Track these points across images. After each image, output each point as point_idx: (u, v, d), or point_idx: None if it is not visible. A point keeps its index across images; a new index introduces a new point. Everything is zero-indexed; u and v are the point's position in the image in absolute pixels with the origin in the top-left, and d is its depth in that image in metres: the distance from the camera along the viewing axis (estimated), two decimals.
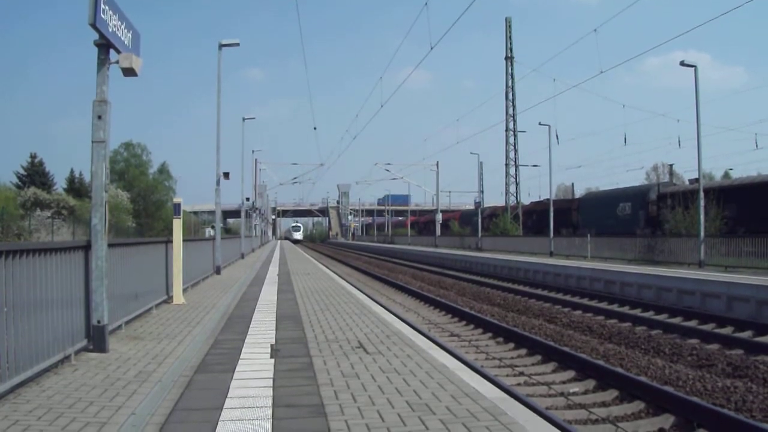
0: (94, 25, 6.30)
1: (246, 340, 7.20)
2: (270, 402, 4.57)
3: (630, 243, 24.80)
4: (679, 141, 59.81)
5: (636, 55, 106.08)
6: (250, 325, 8.39)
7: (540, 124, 31.78)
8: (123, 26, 6.96)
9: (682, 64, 21.26)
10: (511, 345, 9.96)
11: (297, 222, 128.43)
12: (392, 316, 9.73)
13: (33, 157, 53.00)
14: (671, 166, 54.56)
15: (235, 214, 69.28)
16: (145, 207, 55.80)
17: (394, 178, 67.13)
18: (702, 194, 21.08)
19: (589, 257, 26.13)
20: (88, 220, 8.83)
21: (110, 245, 7.03)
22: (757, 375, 7.60)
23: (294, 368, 5.74)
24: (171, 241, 11.37)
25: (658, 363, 8.32)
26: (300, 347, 6.81)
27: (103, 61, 6.76)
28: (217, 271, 19.04)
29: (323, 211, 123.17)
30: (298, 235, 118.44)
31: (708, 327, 11.69)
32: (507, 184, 53.41)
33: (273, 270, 21.20)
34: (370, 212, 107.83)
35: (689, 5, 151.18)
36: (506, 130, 52.90)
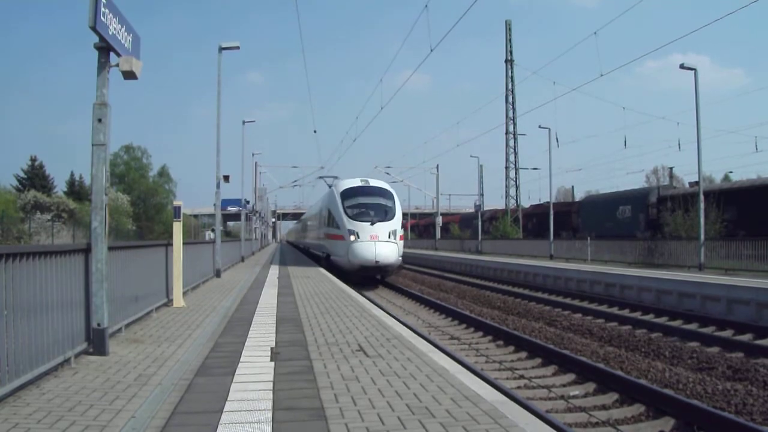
0: (94, 28, 6.31)
1: (246, 343, 7.20)
2: (270, 405, 4.56)
3: (630, 246, 24.80)
4: (679, 144, 60.20)
5: (636, 57, 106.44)
6: (250, 328, 8.38)
7: (540, 127, 31.75)
8: (123, 29, 6.97)
9: (682, 67, 21.27)
10: (511, 348, 9.96)
11: (370, 182, 22.44)
12: (392, 319, 9.73)
13: (33, 159, 53.12)
14: (671, 169, 54.79)
15: (235, 217, 69.29)
16: (145, 210, 55.88)
17: (394, 182, 66.81)
18: (702, 197, 21.10)
19: (589, 260, 26.12)
20: (88, 223, 8.85)
21: (110, 248, 7.03)
22: (757, 378, 7.59)
23: (294, 371, 5.74)
24: (171, 244, 11.37)
25: (658, 366, 8.32)
26: (300, 350, 6.81)
27: (103, 64, 6.77)
28: (217, 274, 19.03)
29: None
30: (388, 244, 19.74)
31: (708, 330, 11.68)
32: (507, 187, 53.49)
33: (273, 273, 21.18)
34: None
35: (688, 8, 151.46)
36: (506, 133, 52.99)
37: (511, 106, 52.35)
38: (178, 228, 11.52)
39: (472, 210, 60.42)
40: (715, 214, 23.85)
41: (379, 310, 10.90)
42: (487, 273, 27.46)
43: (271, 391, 4.97)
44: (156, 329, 8.42)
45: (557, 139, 58.66)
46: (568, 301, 16.84)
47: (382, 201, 21.50)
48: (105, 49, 6.73)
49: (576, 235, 35.72)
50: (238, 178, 35.23)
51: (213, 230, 33.71)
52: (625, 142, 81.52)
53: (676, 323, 12.56)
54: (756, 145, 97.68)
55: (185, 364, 6.06)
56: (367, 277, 20.85)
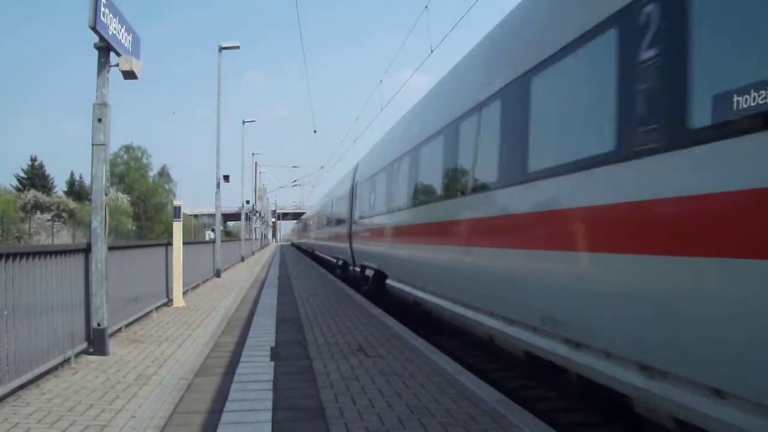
0: (94, 28, 6.32)
1: (246, 343, 7.20)
2: (270, 405, 4.56)
3: None
4: None
5: None
6: (251, 328, 8.38)
7: None
8: (123, 29, 6.97)
9: None
10: None
11: None
12: (392, 319, 9.72)
13: (33, 159, 53.21)
14: None
15: (235, 217, 69.32)
16: (145, 210, 55.93)
17: None
18: None
19: None
20: (88, 223, 8.85)
21: (110, 248, 7.04)
22: None
23: (294, 371, 5.74)
24: (171, 244, 11.37)
25: None
26: (300, 350, 6.81)
27: (103, 64, 6.77)
28: (217, 274, 19.03)
29: None
30: None
31: None
32: None
33: (273, 273, 21.19)
34: None
35: None
36: None
37: None
38: (178, 228, 11.53)
39: None
40: None
41: (379, 309, 10.89)
42: None
43: (271, 391, 4.97)
44: (156, 329, 8.42)
45: None
46: None
47: None
48: (105, 49, 6.74)
49: None
50: (238, 178, 35.35)
51: (213, 230, 33.75)
52: None
53: None
54: None
55: (185, 364, 6.06)
56: None
